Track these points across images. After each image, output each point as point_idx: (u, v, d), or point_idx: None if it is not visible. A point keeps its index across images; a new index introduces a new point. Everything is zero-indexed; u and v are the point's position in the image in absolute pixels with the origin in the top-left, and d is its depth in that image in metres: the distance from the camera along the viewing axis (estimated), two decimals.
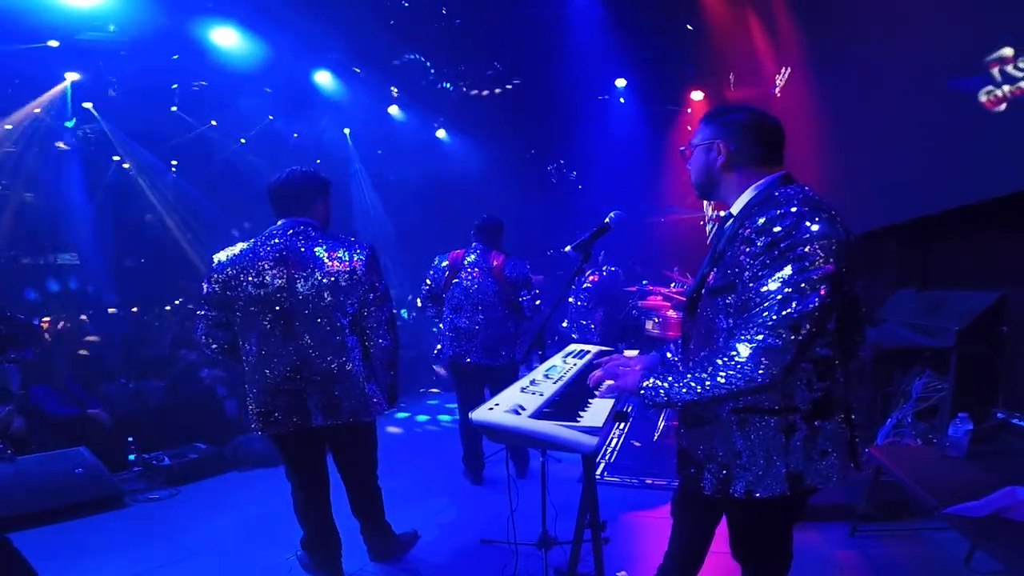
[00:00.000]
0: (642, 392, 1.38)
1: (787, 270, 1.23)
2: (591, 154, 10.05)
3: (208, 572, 2.81)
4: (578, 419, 1.38)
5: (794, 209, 1.27)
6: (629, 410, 1.55)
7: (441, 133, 10.74)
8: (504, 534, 2.63)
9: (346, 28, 6.99)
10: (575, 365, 2.00)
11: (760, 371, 1.21)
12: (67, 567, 2.81)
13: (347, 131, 10.38)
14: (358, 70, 8.11)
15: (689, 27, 7.14)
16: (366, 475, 2.64)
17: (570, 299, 6.42)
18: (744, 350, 1.22)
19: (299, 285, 2.26)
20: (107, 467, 3.67)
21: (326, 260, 2.29)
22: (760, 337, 1.21)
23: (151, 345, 6.32)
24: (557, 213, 10.19)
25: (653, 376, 1.38)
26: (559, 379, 1.77)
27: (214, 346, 2.40)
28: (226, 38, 6.76)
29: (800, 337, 1.20)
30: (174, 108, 8.72)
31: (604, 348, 2.37)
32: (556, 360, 2.09)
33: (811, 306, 1.20)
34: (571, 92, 8.86)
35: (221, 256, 2.30)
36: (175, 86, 8.05)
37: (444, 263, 3.77)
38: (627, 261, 7.82)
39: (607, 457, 4.17)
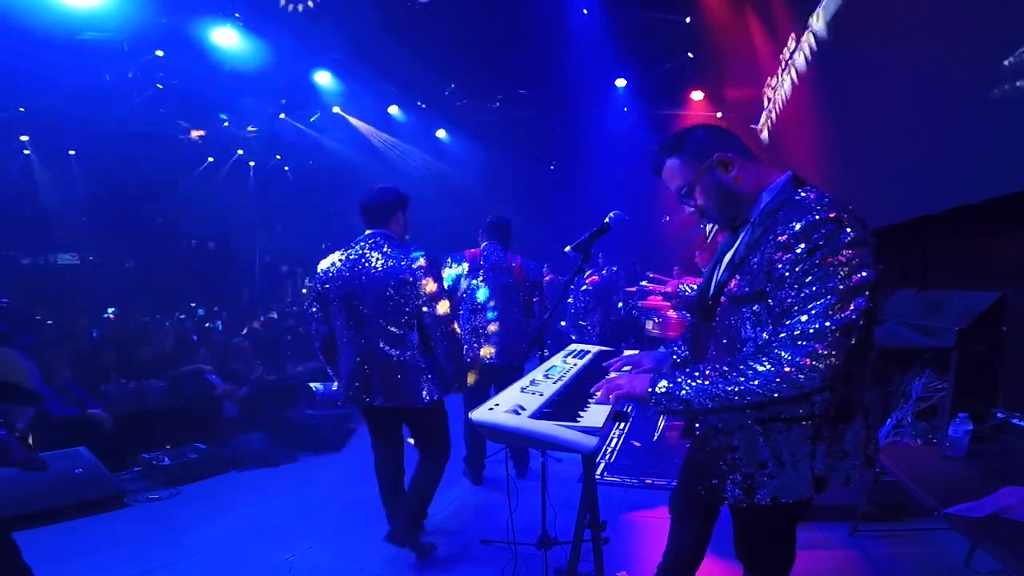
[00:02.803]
0: (653, 399, 1.31)
1: (832, 277, 1.20)
2: (593, 154, 10.06)
3: (208, 572, 2.81)
4: (578, 419, 1.38)
5: (832, 215, 1.23)
6: (629, 410, 1.54)
7: (441, 133, 10.74)
8: (504, 534, 2.63)
9: (346, 29, 6.99)
10: (575, 365, 2.00)
11: (810, 376, 1.18)
12: (67, 567, 2.81)
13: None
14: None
15: (687, 19, 7.15)
16: (430, 454, 2.88)
17: (568, 300, 6.42)
18: (792, 356, 1.19)
19: (367, 286, 2.65)
20: (107, 467, 3.67)
21: (389, 265, 2.67)
22: (807, 344, 1.19)
23: (152, 345, 6.32)
24: (557, 213, 10.20)
25: (665, 379, 1.31)
26: (559, 379, 1.77)
27: (319, 341, 2.84)
28: (226, 38, 6.77)
29: (850, 342, 1.19)
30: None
31: (605, 348, 2.37)
32: (556, 360, 2.09)
33: (857, 312, 1.19)
34: (571, 92, 8.87)
35: (324, 263, 2.76)
36: (160, 87, 8.03)
37: (464, 264, 3.72)
38: (627, 261, 7.83)
39: (607, 457, 4.17)
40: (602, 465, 4.02)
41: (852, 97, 3.96)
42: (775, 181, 1.41)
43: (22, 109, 8.37)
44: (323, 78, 8.43)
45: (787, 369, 1.19)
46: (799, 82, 5.03)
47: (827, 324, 1.18)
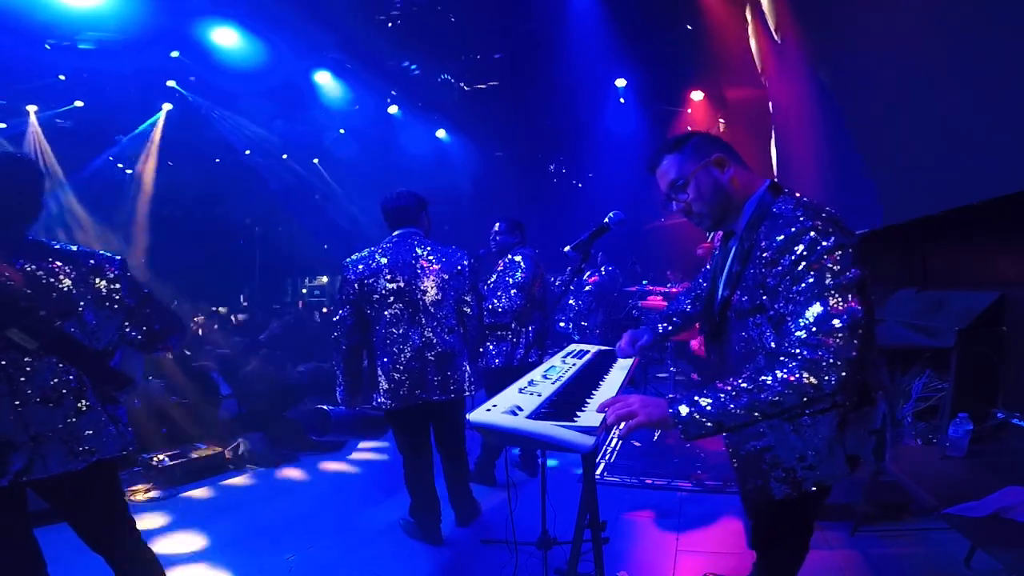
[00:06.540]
0: (680, 425, 1.27)
1: (820, 281, 1.24)
2: (592, 154, 10.05)
3: (208, 572, 2.81)
4: (575, 419, 1.38)
5: (809, 223, 1.29)
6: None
7: (441, 133, 10.75)
8: (504, 534, 2.63)
9: (346, 28, 6.99)
10: (574, 365, 2.00)
11: (828, 375, 1.19)
12: (67, 567, 2.80)
13: (342, 131, 10.38)
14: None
15: (688, 27, 7.14)
16: (460, 442, 3.02)
17: (570, 300, 6.42)
18: (806, 358, 1.21)
19: (418, 281, 2.76)
20: None
21: (440, 258, 2.83)
22: (816, 346, 1.21)
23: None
24: (557, 213, 10.20)
25: (685, 404, 1.27)
26: (558, 379, 1.77)
27: (344, 347, 2.78)
28: (226, 38, 6.77)
29: (855, 336, 1.21)
30: (170, 106, 8.77)
31: (604, 348, 2.37)
32: (555, 360, 2.09)
33: (855, 306, 1.22)
34: (571, 92, 8.86)
35: (359, 264, 2.75)
36: (171, 82, 8.06)
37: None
38: (626, 261, 7.83)
39: (607, 457, 4.17)
40: (602, 465, 4.01)
41: (852, 96, 3.96)
42: (756, 191, 1.46)
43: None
44: (323, 78, 8.43)
45: (804, 373, 1.20)
46: (799, 81, 5.03)
47: (833, 323, 1.21)
